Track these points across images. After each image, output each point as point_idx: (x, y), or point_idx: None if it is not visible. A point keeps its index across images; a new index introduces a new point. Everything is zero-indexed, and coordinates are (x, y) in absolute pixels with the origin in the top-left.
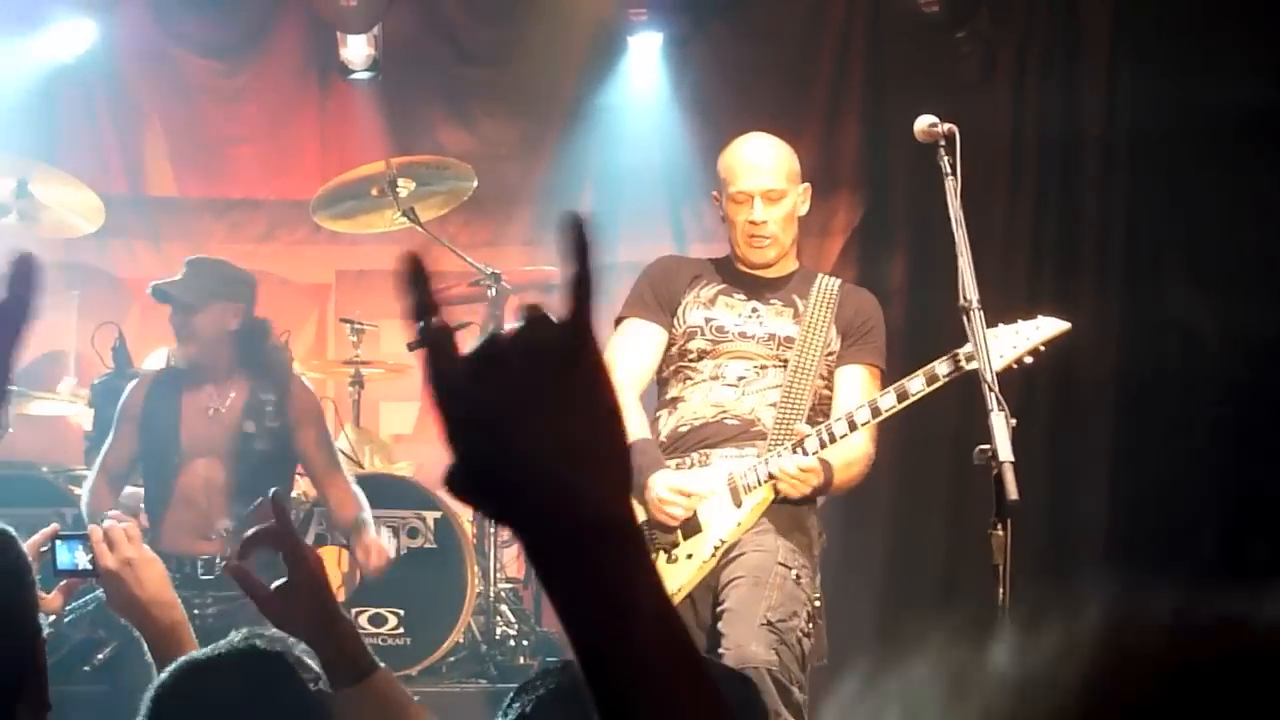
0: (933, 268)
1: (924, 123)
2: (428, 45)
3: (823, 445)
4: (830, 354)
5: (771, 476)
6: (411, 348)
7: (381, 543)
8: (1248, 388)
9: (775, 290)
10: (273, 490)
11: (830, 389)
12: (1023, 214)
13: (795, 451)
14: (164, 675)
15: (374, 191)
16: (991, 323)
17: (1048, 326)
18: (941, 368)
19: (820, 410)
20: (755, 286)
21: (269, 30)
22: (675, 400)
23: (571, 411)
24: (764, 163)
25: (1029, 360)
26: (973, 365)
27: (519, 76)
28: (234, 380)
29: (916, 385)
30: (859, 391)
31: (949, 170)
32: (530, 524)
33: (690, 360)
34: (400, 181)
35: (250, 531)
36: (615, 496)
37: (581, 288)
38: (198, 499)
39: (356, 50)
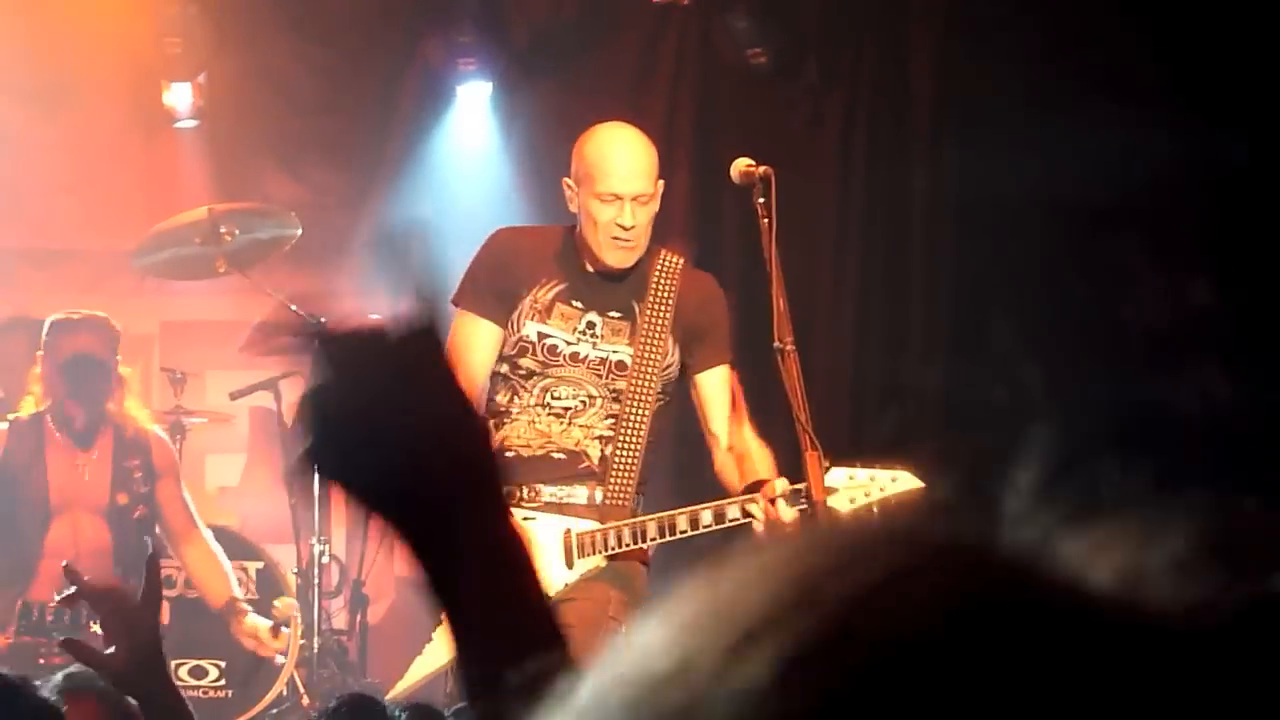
0: (761, 315)
1: (740, 164)
2: (255, 93)
3: (662, 535)
4: (668, 367)
5: (611, 551)
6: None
7: (261, 627)
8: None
9: (615, 294)
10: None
11: (666, 398)
12: (850, 264)
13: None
14: None
15: (197, 240)
16: (848, 458)
17: (904, 481)
18: (753, 507)
19: (655, 429)
20: (595, 291)
21: (92, 76)
22: (503, 414)
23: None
24: (638, 165)
25: (875, 510)
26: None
27: (347, 125)
28: (97, 435)
29: (734, 511)
30: (724, 395)
31: (764, 213)
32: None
33: (520, 376)
34: (223, 228)
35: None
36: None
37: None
38: (67, 554)
39: (181, 97)
